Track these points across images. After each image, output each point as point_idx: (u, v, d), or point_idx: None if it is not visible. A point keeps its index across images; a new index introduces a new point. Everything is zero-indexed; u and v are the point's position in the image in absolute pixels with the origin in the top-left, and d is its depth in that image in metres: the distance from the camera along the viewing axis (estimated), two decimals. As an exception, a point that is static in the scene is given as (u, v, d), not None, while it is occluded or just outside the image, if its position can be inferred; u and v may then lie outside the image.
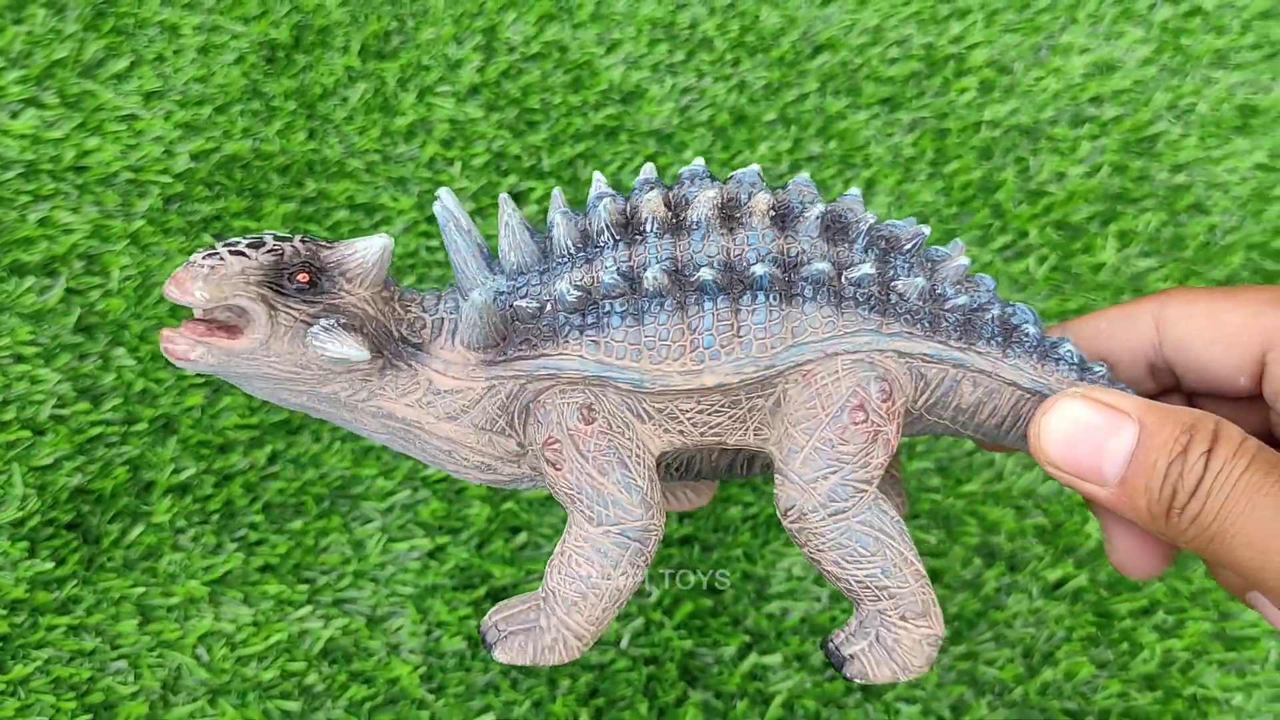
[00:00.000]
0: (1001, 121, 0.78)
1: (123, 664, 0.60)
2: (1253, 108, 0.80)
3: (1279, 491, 0.31)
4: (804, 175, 0.39)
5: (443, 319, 0.39)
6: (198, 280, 0.35)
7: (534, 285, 0.38)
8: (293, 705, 0.60)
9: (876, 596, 0.37)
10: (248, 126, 0.74)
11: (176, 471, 0.64)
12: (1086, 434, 0.34)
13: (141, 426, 0.65)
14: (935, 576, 0.65)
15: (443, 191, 0.40)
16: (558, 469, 0.38)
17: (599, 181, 0.39)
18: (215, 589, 0.62)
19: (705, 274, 0.36)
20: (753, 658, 0.63)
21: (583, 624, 0.38)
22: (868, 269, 0.36)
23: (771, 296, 0.36)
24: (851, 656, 0.38)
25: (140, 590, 0.62)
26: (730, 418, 0.38)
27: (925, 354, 0.37)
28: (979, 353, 0.37)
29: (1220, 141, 0.78)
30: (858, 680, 0.37)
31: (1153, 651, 0.63)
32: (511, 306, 0.38)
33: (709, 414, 0.38)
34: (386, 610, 0.63)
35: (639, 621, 0.63)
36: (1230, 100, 0.80)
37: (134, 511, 0.64)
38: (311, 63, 0.76)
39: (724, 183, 0.39)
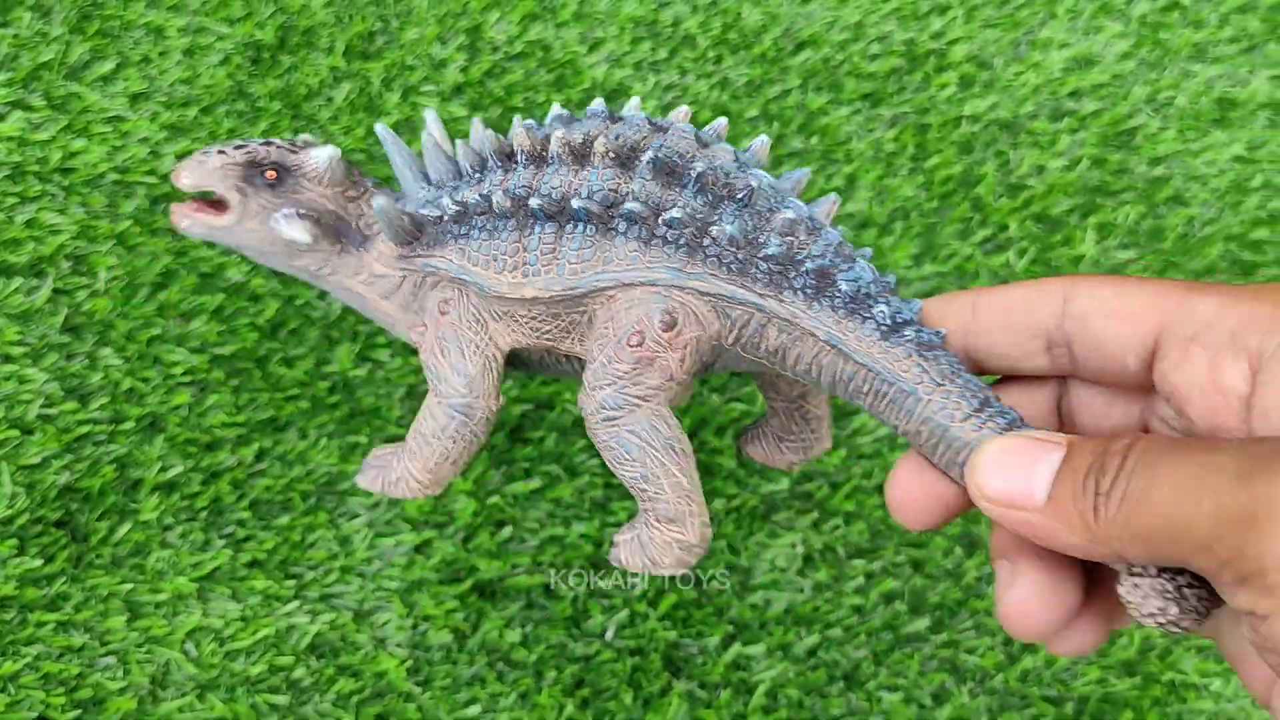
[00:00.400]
0: (981, 116, 0.79)
1: (111, 660, 0.61)
2: (1231, 100, 0.80)
3: (1189, 454, 0.30)
4: (710, 126, 0.43)
5: None
6: (187, 169, 0.47)
7: (442, 198, 0.45)
8: (280, 699, 0.61)
9: (641, 497, 0.42)
10: (233, 127, 0.75)
11: (164, 469, 0.65)
12: (1015, 459, 0.34)
13: (129, 425, 0.66)
14: (917, 566, 0.66)
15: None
16: (421, 347, 0.47)
17: (552, 112, 0.46)
18: (203, 585, 0.63)
19: (534, 202, 0.42)
20: (736, 648, 0.63)
21: (419, 470, 0.46)
22: (676, 213, 0.40)
23: (589, 228, 0.41)
24: (617, 544, 0.43)
25: (129, 587, 0.62)
26: (556, 327, 0.44)
27: (724, 295, 0.40)
28: (782, 301, 0.39)
29: (1199, 134, 0.79)
30: (613, 564, 0.42)
31: (1131, 638, 0.64)
32: (419, 212, 0.46)
33: (539, 321, 0.44)
34: (373, 605, 0.64)
35: (624, 613, 0.64)
36: (1208, 93, 0.80)
37: (122, 509, 0.64)
38: (296, 63, 0.77)
39: (614, 120, 0.44)
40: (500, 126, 0.77)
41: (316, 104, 0.76)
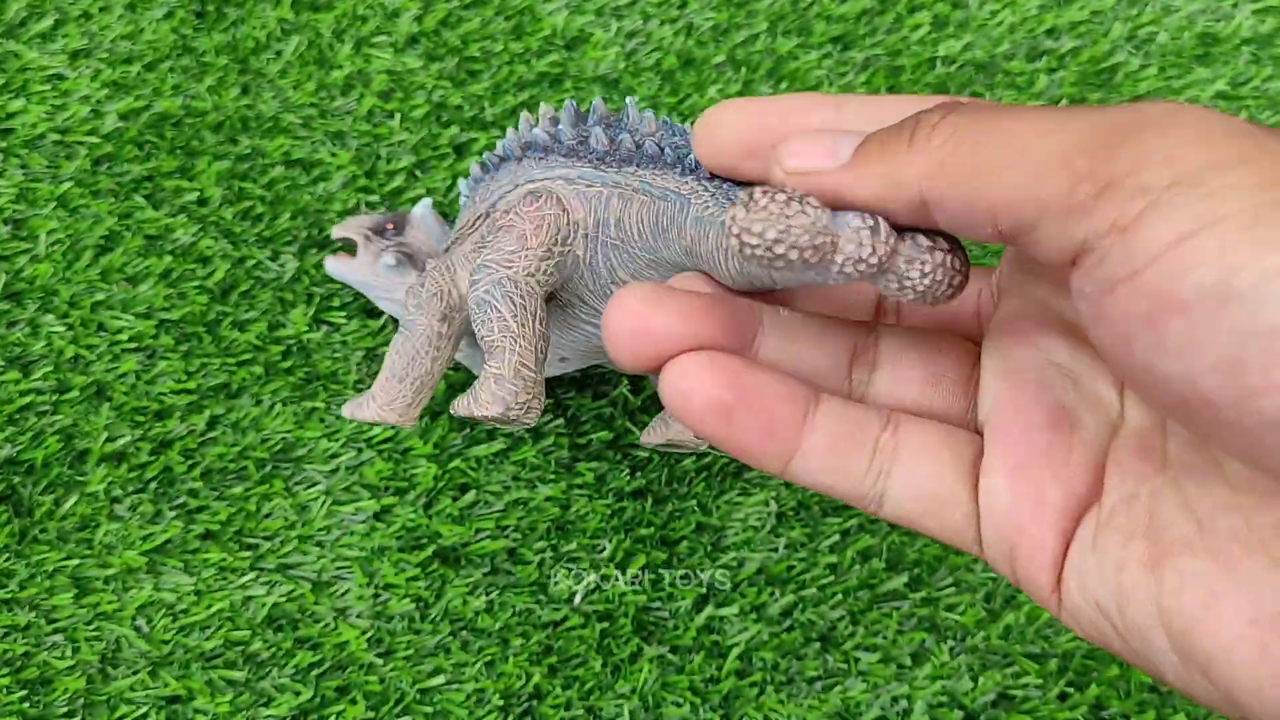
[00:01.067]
0: (956, 58, 0.76)
1: (59, 638, 0.59)
2: (1213, 36, 0.78)
3: (1022, 117, 0.25)
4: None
5: None
6: (339, 228, 0.64)
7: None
8: (237, 674, 0.59)
9: (483, 346, 0.47)
10: (178, 84, 0.72)
11: (111, 439, 0.62)
12: (819, 140, 0.29)
13: (73, 394, 0.63)
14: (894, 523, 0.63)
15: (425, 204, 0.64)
16: None
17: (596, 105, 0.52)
18: (154, 558, 0.61)
19: (484, 156, 0.54)
20: (709, 610, 0.61)
21: (376, 388, 0.52)
22: (565, 128, 0.49)
23: (511, 163, 0.51)
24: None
25: (76, 562, 0.60)
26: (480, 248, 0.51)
27: (581, 176, 0.47)
28: (620, 173, 0.46)
29: (1181, 71, 0.76)
30: (453, 411, 0.47)
31: (1117, 591, 0.62)
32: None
33: (479, 251, 0.51)
34: (332, 574, 0.61)
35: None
36: (1190, 29, 0.78)
37: (67, 481, 0.62)
38: (243, 16, 0.74)
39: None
40: (457, 78, 0.74)
41: (265, 58, 0.73)
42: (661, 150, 0.44)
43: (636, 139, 0.46)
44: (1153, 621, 0.26)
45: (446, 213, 0.69)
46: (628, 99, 0.51)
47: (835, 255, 0.28)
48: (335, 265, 0.63)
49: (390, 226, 0.62)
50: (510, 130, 0.54)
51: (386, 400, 0.50)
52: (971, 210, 0.26)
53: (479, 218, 0.52)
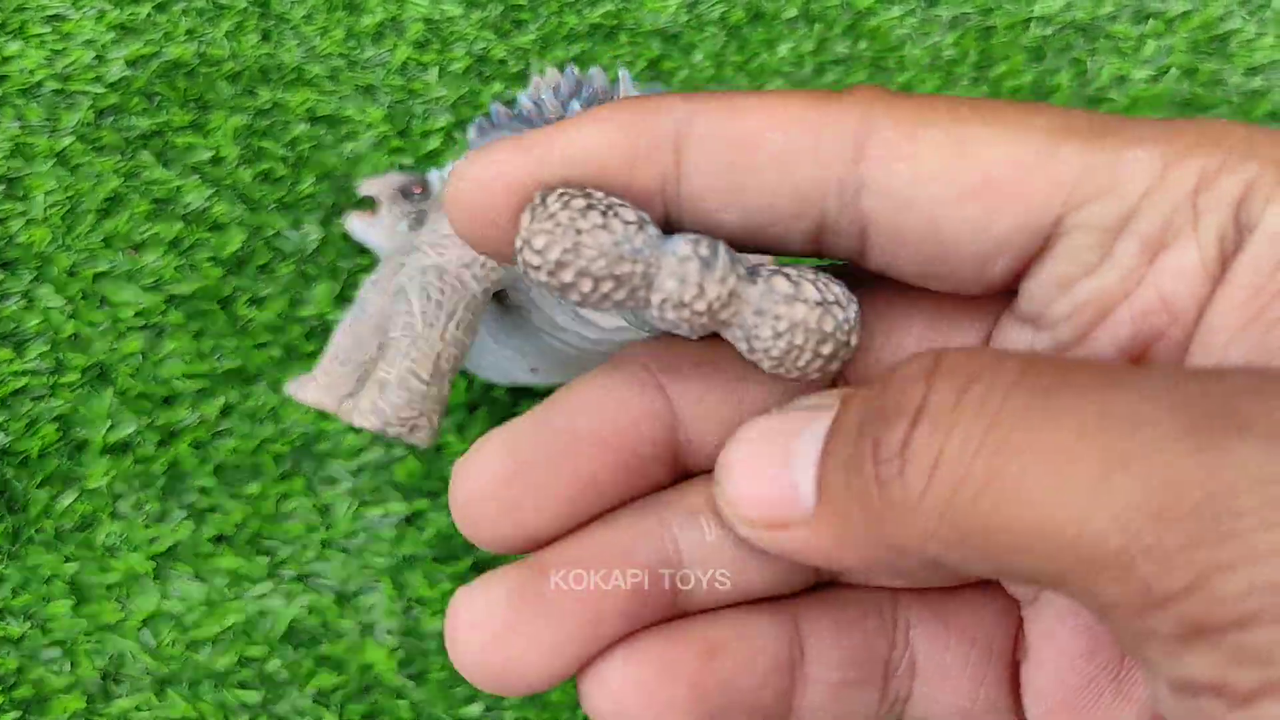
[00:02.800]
0: (1054, 18, 0.69)
1: (56, 652, 0.53)
2: (1339, 0, 0.70)
3: (1070, 412, 0.15)
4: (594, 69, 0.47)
5: None
6: (367, 183, 0.57)
7: None
8: (252, 696, 0.53)
9: (385, 345, 0.43)
10: (192, 28, 0.65)
11: (114, 428, 0.56)
12: (770, 445, 0.20)
13: (72, 376, 0.57)
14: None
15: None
16: None
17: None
18: (161, 563, 0.55)
19: (478, 119, 0.49)
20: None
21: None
22: (548, 98, 0.46)
23: (500, 130, 0.47)
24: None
25: (74, 566, 0.54)
26: None
27: None
28: None
29: (1302, 40, 0.69)
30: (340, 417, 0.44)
31: None
32: None
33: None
34: (358, 585, 0.55)
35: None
36: (1314, -8, 0.70)
37: (65, 475, 0.55)
38: (264, -48, 0.67)
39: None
40: (501, 27, 0.66)
41: (288, 1, 0.66)
42: None
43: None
44: None
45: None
46: (621, 71, 0.45)
47: (652, 293, 0.20)
48: (357, 224, 0.58)
49: (418, 190, 0.57)
50: (520, 93, 0.48)
51: (326, 384, 0.45)
52: (999, 575, 0.18)
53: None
